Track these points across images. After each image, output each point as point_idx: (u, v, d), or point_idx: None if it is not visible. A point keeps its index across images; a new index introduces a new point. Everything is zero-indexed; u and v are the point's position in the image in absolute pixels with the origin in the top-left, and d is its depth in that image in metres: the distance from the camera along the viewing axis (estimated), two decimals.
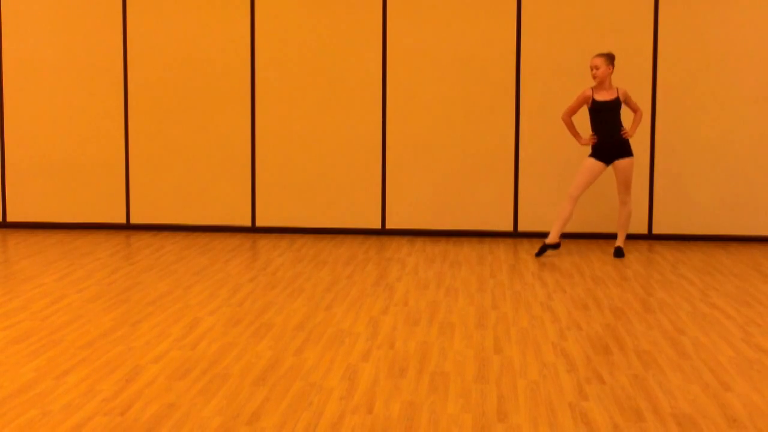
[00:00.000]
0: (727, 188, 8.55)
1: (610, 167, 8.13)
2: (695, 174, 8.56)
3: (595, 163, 7.71)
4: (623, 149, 7.74)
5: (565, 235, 8.64)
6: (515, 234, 8.74)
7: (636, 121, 7.80)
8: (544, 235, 8.64)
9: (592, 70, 7.68)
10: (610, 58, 7.69)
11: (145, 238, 8.60)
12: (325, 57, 8.76)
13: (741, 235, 8.58)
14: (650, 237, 8.66)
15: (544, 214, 8.66)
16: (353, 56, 8.74)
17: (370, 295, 6.34)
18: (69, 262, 7.43)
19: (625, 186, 7.81)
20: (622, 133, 7.69)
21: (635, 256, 7.87)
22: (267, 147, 8.88)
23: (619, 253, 7.84)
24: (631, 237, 8.64)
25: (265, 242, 8.41)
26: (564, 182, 8.60)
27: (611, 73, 7.70)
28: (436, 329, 5.45)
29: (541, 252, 7.79)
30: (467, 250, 8.11)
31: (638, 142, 8.52)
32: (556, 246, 7.80)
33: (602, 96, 7.72)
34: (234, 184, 8.93)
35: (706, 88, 8.49)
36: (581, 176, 7.71)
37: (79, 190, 9.06)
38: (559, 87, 8.56)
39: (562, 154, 8.61)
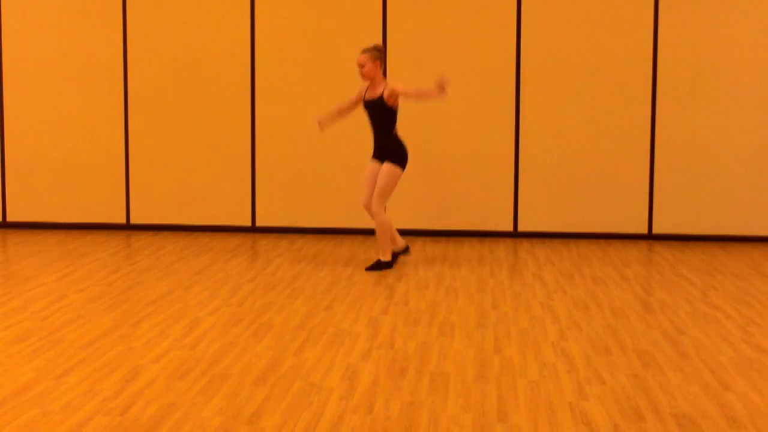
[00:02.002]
0: (727, 188, 8.54)
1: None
2: (695, 174, 8.56)
3: (372, 167, 7.18)
4: (386, 153, 7.08)
5: (564, 235, 8.65)
6: (515, 234, 8.74)
7: (421, 95, 6.90)
8: (545, 235, 8.65)
9: (358, 68, 7.04)
10: (376, 51, 6.97)
11: (145, 238, 8.59)
12: (325, 56, 8.76)
13: (741, 235, 8.58)
14: (650, 237, 8.66)
15: (544, 214, 8.66)
16: (354, 56, 8.72)
17: (370, 295, 6.34)
18: (69, 262, 7.42)
19: (376, 191, 7.05)
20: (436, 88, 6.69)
21: (635, 256, 7.87)
22: (267, 147, 8.88)
23: (373, 265, 7.19)
24: (631, 237, 8.64)
25: (265, 242, 8.41)
26: (564, 182, 8.61)
27: (379, 68, 7.00)
28: (436, 329, 5.45)
29: (393, 259, 7.29)
30: (467, 250, 8.11)
31: (638, 141, 8.52)
32: (406, 250, 7.40)
33: (369, 94, 7.08)
34: (234, 184, 8.93)
35: (706, 88, 8.49)
36: (364, 183, 7.19)
37: (79, 190, 9.06)
38: (560, 87, 8.56)
39: (562, 153, 8.61)
